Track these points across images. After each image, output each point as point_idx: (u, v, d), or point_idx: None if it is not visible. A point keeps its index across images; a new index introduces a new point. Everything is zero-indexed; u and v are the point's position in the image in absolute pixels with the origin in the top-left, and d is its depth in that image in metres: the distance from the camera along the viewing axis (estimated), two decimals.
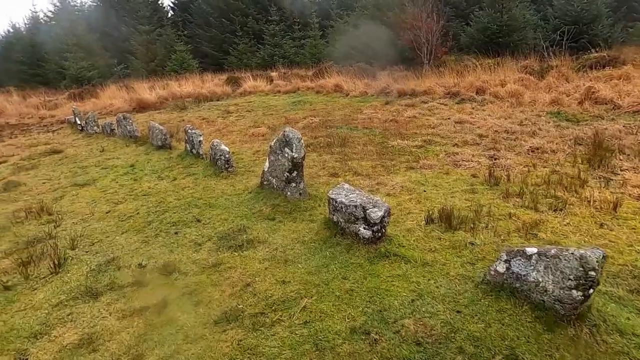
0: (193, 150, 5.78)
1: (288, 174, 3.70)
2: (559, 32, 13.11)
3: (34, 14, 36.54)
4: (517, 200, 3.46)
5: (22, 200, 4.74)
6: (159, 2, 29.79)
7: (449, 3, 23.41)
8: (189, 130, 5.76)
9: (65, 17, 22.37)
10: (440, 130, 6.43)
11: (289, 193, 3.77)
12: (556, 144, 5.08)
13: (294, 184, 3.76)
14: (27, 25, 34.58)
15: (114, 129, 8.29)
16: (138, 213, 3.94)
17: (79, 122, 9.66)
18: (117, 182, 5.07)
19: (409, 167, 4.70)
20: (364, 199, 2.86)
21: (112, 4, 29.89)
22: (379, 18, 16.95)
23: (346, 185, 3.12)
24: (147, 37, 22.79)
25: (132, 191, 4.64)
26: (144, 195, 4.46)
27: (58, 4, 29.21)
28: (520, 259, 2.10)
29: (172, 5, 31.17)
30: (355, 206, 2.78)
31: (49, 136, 9.78)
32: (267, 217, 3.54)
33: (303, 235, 3.16)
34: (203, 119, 9.97)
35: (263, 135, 7.16)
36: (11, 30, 36.69)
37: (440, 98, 9.37)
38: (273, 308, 2.30)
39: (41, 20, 33.82)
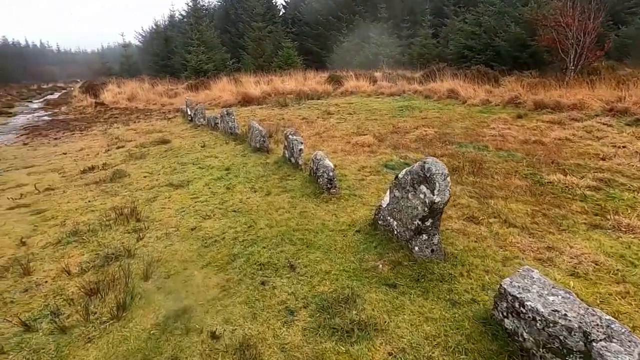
0: (292, 159, 5.01)
1: (419, 222, 2.56)
2: None
3: (172, 12, 41.28)
4: None
5: (120, 196, 4.50)
6: (273, 1, 30.90)
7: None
8: (290, 136, 5.00)
9: (193, 14, 24.42)
10: (619, 164, 4.54)
11: (416, 248, 2.62)
12: None
13: (425, 236, 2.60)
14: (165, 23, 39.30)
15: (218, 123, 8.12)
16: (224, 238, 3.22)
17: (189, 113, 9.89)
18: (209, 187, 4.53)
19: (592, 223, 3.13)
20: (582, 312, 1.57)
21: (233, 3, 32.02)
22: (508, 14, 14.43)
23: (535, 274, 1.85)
24: (259, 34, 23.61)
25: (222, 203, 4.01)
26: (234, 211, 3.77)
27: (190, 3, 32.35)
28: None
29: (284, 3, 32.10)
30: (569, 328, 1.51)
31: (164, 124, 10.24)
32: (385, 282, 2.46)
33: (445, 332, 2.00)
34: (303, 119, 9.34)
35: (369, 146, 6.10)
36: (154, 27, 42.16)
37: (598, 116, 7.12)
38: None
39: (176, 18, 38.15)
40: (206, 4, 35.17)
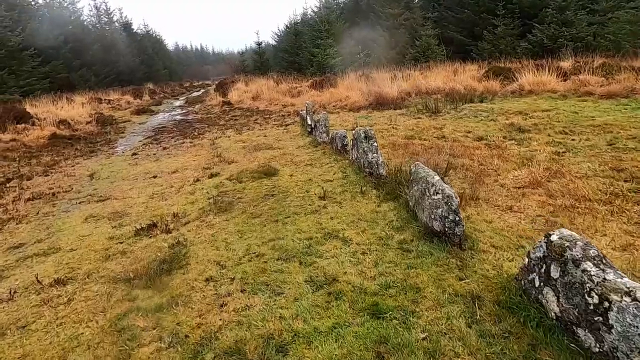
0: (559, 315, 1.53)
1: None
2: None
3: (305, 10, 40.73)
4: None
5: None
6: None
7: None
8: (584, 263, 1.50)
9: (324, 5, 22.29)
10: None
11: None
12: None
13: None
14: (296, 19, 38.90)
15: (347, 147, 5.11)
16: None
17: (309, 122, 7.20)
18: None
19: None
20: None
21: None
22: None
23: None
24: (393, 22, 19.97)
25: None
26: None
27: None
28: None
29: None
30: None
31: (278, 134, 7.83)
32: None
33: None
34: (478, 139, 5.57)
35: None
36: (288, 25, 42.54)
37: None
38: None
39: (309, 15, 37.34)
40: None
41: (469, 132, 6.07)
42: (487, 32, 19.91)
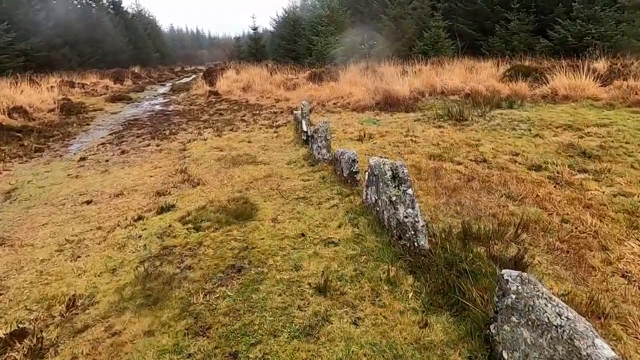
0: None
1: None
2: None
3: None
4: None
5: None
6: None
7: None
8: None
9: None
10: None
11: None
12: None
13: None
14: (296, 3, 36.53)
15: (356, 176, 3.50)
16: None
17: (304, 129, 5.55)
18: None
19: None
20: None
21: None
22: None
23: None
24: (400, 11, 18.08)
25: None
26: None
27: None
28: None
29: None
30: None
31: (266, 140, 6.17)
32: None
33: None
34: (533, 167, 3.99)
35: None
36: (286, 11, 40.10)
37: None
38: None
39: (308, 1, 34.98)
40: None
41: (516, 154, 4.48)
42: (499, 26, 18.17)
